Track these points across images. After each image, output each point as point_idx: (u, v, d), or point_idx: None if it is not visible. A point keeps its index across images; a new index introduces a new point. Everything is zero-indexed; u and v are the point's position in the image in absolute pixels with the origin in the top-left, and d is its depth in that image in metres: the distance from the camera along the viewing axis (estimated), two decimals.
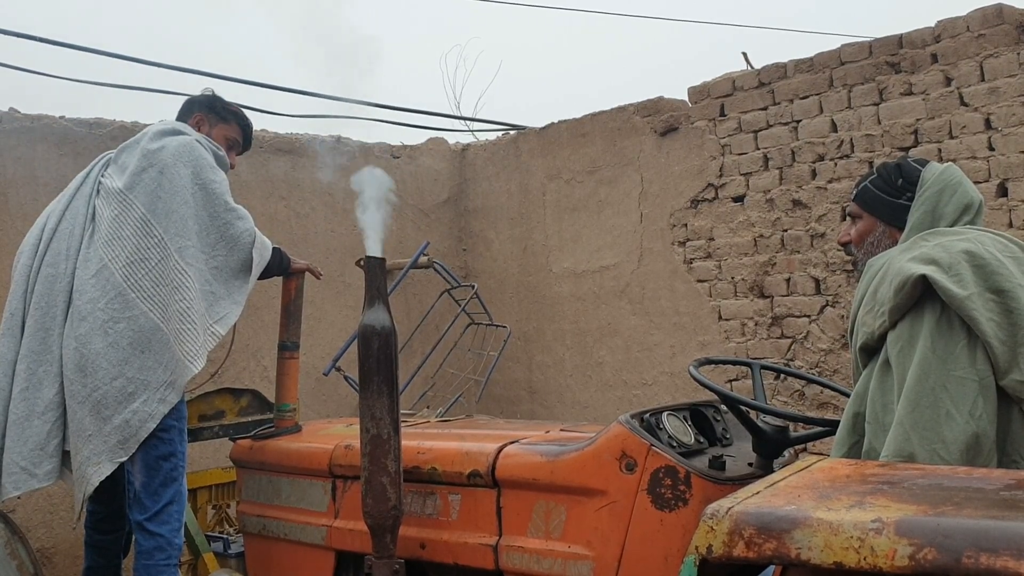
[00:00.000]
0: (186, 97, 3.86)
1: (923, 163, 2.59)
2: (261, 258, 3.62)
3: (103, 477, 3.27)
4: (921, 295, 2.28)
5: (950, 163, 2.68)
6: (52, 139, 5.11)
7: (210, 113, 3.80)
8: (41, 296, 3.38)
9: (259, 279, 3.72)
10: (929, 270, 2.26)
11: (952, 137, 4.59)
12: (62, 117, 5.26)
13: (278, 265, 3.76)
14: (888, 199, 2.58)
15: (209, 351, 3.43)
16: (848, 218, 2.74)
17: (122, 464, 3.32)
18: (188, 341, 3.34)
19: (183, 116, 3.78)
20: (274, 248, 3.72)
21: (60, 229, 3.46)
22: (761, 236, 5.34)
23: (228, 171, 3.70)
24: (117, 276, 3.30)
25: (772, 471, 2.57)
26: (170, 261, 3.34)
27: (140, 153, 3.47)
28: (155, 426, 3.28)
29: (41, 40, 6.07)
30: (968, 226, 2.48)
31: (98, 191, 3.49)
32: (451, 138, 7.41)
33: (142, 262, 3.32)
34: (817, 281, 5.11)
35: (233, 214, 3.53)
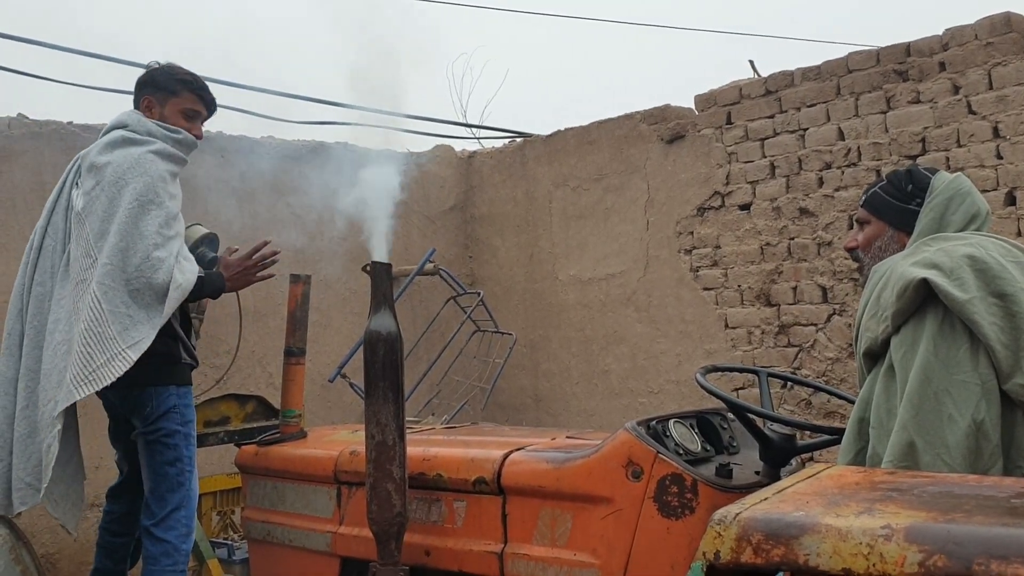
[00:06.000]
0: None
1: (933, 171, 2.61)
2: (179, 290, 3.32)
3: (22, 510, 3.36)
4: (923, 299, 2.28)
5: (959, 172, 2.68)
6: (59, 145, 5.13)
7: (157, 91, 3.53)
8: (33, 315, 3.40)
9: (202, 298, 3.60)
10: (931, 274, 2.27)
11: (960, 145, 4.58)
12: (69, 123, 5.28)
13: (210, 289, 3.54)
14: (898, 204, 2.58)
15: (119, 376, 3.20)
16: (856, 224, 2.74)
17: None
18: (77, 365, 3.22)
19: (136, 102, 3.57)
20: (199, 277, 3.42)
21: (45, 246, 3.45)
22: (768, 244, 5.33)
23: (195, 147, 3.54)
24: (69, 300, 3.30)
25: (779, 479, 2.55)
26: (91, 285, 3.25)
27: (91, 168, 3.38)
28: (55, 458, 3.24)
29: (49, 46, 6.09)
30: (973, 232, 2.48)
31: (70, 205, 3.44)
32: (457, 145, 7.42)
33: (80, 283, 3.29)
34: (824, 289, 5.10)
35: (160, 237, 3.29)
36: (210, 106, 3.65)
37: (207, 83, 3.67)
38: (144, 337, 3.24)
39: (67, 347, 3.25)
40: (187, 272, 3.36)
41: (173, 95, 3.53)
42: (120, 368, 3.18)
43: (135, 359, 3.20)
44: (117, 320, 3.21)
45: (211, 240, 3.84)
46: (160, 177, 3.35)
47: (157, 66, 3.59)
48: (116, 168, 3.31)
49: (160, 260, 3.27)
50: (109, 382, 3.18)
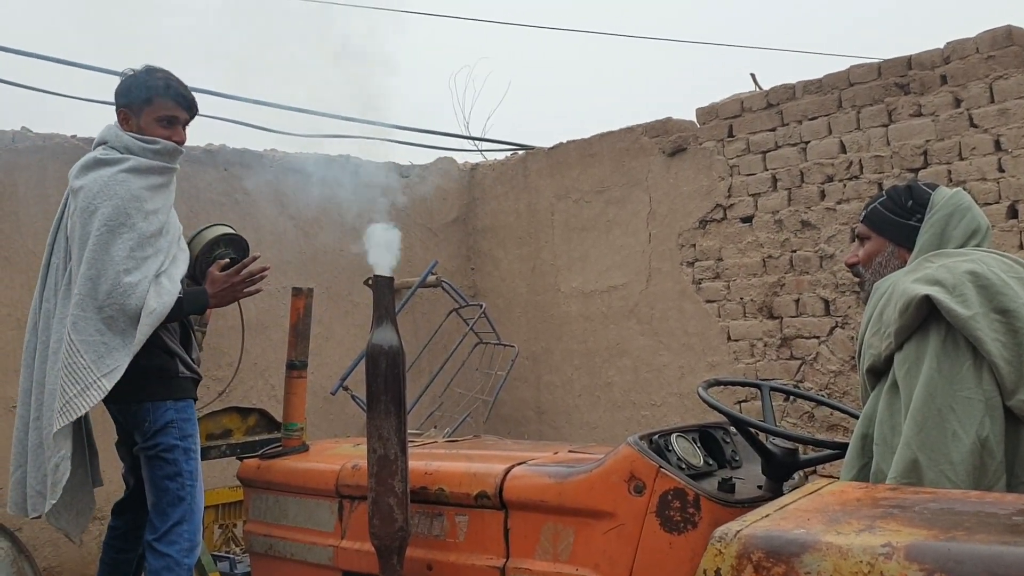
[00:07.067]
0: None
1: (933, 186, 2.60)
2: (152, 315, 3.27)
3: (34, 515, 3.36)
4: (926, 316, 2.28)
5: (959, 188, 2.68)
6: (64, 158, 5.14)
7: (131, 101, 3.42)
8: (43, 331, 3.42)
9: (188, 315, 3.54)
10: (933, 291, 2.26)
11: (962, 158, 4.58)
12: (73, 136, 5.30)
13: (191, 308, 3.48)
14: (898, 220, 2.58)
15: (94, 404, 3.21)
16: (856, 240, 2.74)
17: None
18: (57, 396, 3.23)
19: (117, 115, 3.49)
20: (178, 298, 3.35)
21: (52, 263, 3.46)
22: (770, 257, 5.33)
23: (178, 153, 3.46)
24: (69, 320, 3.30)
25: (782, 494, 2.55)
26: (66, 314, 3.27)
27: (71, 192, 3.38)
28: (65, 478, 3.24)
29: (53, 60, 6.12)
30: (974, 248, 2.48)
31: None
32: (460, 158, 7.44)
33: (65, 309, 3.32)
34: (826, 302, 5.09)
35: (132, 261, 3.25)
36: (190, 108, 3.51)
37: (186, 84, 3.53)
38: (120, 364, 3.22)
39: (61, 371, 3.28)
40: (164, 295, 3.30)
41: (147, 104, 3.41)
42: (95, 397, 3.19)
43: (110, 387, 3.20)
44: (91, 349, 3.20)
45: (230, 240, 3.72)
46: (132, 197, 3.29)
47: (131, 73, 3.47)
48: (87, 193, 3.30)
49: (131, 285, 3.24)
50: (83, 412, 3.20)
